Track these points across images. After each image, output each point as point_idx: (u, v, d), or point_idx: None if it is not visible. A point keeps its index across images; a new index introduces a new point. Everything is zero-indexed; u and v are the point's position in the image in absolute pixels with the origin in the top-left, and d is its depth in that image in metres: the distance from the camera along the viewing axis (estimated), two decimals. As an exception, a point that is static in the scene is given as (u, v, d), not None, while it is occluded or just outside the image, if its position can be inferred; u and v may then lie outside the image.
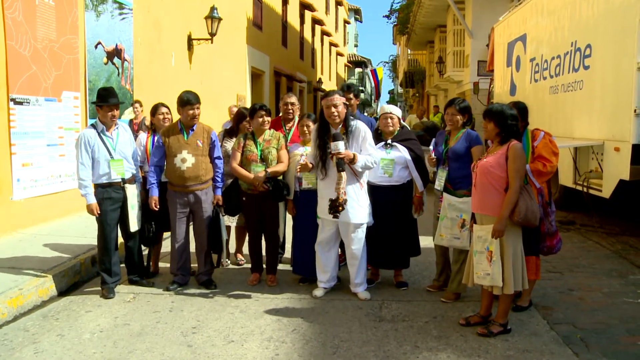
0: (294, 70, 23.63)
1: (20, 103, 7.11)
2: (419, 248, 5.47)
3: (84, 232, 6.93)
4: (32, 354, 3.96)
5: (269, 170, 5.28)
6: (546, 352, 3.93)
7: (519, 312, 4.63)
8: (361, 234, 5.00)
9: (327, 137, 4.88)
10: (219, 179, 5.41)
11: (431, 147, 5.22)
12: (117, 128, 5.29)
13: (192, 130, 5.31)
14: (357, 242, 4.99)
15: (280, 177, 5.41)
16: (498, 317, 4.28)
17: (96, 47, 8.85)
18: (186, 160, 5.22)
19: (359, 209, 4.92)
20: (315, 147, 5.01)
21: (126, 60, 9.76)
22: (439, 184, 5.01)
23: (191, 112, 5.27)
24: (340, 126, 4.93)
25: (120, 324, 4.51)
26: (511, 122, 4.16)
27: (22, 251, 6.08)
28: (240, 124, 6.10)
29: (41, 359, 3.89)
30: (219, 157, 5.39)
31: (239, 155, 5.42)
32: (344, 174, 4.72)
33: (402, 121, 5.45)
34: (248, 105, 16.98)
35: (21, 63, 7.08)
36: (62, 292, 5.30)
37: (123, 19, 9.63)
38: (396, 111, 5.33)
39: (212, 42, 12.72)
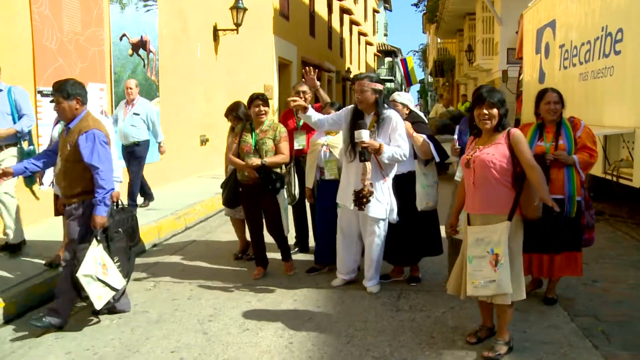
0: (322, 59, 23.56)
1: (47, 95, 7.22)
2: (439, 246, 5.20)
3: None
4: (53, 339, 4.05)
5: (266, 160, 5.09)
6: (565, 344, 3.85)
7: (541, 304, 4.52)
8: (378, 229, 4.85)
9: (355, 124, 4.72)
10: (97, 195, 4.09)
11: (455, 136, 5.01)
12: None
13: (69, 128, 4.26)
14: (372, 237, 4.86)
15: (279, 170, 5.26)
16: (501, 334, 3.79)
17: (121, 39, 8.95)
18: (58, 164, 4.35)
19: (377, 204, 4.73)
20: (346, 130, 4.86)
21: (151, 51, 9.85)
22: (460, 175, 4.89)
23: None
24: (373, 113, 4.78)
25: (139, 311, 4.58)
26: (506, 107, 3.79)
27: (50, 239, 6.19)
28: (228, 116, 6.01)
29: (61, 344, 3.98)
30: (93, 166, 4.10)
31: (235, 145, 5.29)
32: (368, 164, 4.58)
33: (414, 108, 5.27)
34: (276, 96, 17.03)
35: (48, 56, 7.20)
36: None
37: (148, 10, 9.71)
38: (400, 98, 5.13)
39: (237, 33, 12.75)
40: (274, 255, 5.99)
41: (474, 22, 22.63)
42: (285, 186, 5.90)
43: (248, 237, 6.17)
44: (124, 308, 4.53)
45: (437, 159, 4.99)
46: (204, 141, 11.95)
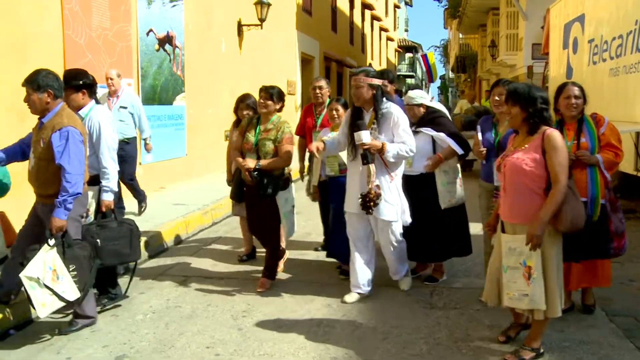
0: (344, 55, 23.50)
1: (77, 90, 7.27)
2: (465, 247, 5.05)
3: (134, 216, 7.05)
4: (89, 332, 4.08)
5: (261, 163, 4.74)
6: (605, 344, 3.77)
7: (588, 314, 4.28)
8: (392, 232, 4.61)
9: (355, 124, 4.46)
10: (59, 196, 3.79)
11: (479, 135, 4.69)
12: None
13: (42, 123, 3.98)
14: (387, 240, 4.63)
15: (278, 172, 4.86)
16: (530, 341, 3.59)
17: (148, 34, 8.99)
18: (31, 161, 4.05)
19: (387, 205, 4.49)
20: (347, 130, 4.59)
21: (177, 46, 9.88)
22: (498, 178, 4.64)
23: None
24: (371, 110, 4.55)
25: (172, 306, 4.59)
26: (542, 105, 3.41)
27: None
28: (238, 111, 5.75)
29: (97, 337, 4.00)
30: (61, 167, 3.81)
31: (239, 139, 4.99)
32: (372, 166, 4.35)
33: (430, 103, 5.05)
34: (298, 91, 17.02)
35: (77, 51, 7.24)
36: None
37: (174, 6, 9.74)
38: (414, 100, 4.91)
39: (261, 28, 12.76)
40: (300, 253, 6.02)
41: (497, 17, 22.41)
42: (307, 184, 5.85)
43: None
44: (90, 314, 4.16)
45: (460, 152, 4.82)
46: (228, 136, 11.96)
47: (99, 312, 4.34)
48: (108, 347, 3.85)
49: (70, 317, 4.16)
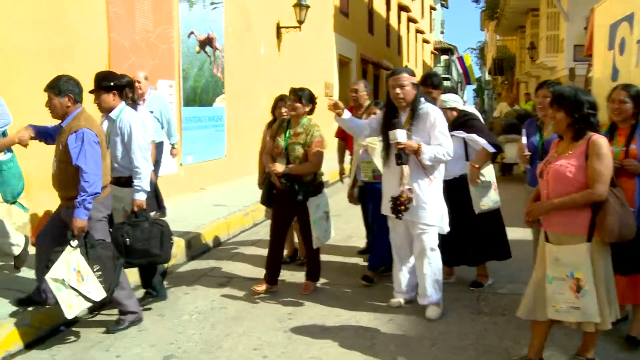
0: (381, 57, 23.43)
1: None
2: (501, 250, 4.94)
3: (175, 217, 7.10)
4: (136, 331, 4.13)
5: (289, 168, 4.63)
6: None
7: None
8: (428, 238, 4.32)
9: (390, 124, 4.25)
10: (79, 196, 3.80)
11: (524, 139, 4.58)
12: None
13: (61, 127, 4.07)
14: (422, 247, 4.34)
15: (309, 178, 4.74)
16: (583, 351, 3.47)
17: (189, 36, 9.09)
18: (53, 164, 4.12)
19: (425, 207, 4.25)
20: (380, 132, 4.43)
21: (217, 49, 9.97)
22: None
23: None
24: (408, 109, 4.33)
25: (217, 307, 4.61)
26: (588, 110, 3.24)
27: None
28: (275, 110, 5.59)
29: (144, 336, 4.05)
30: (79, 167, 3.84)
31: (270, 143, 4.89)
32: (405, 167, 4.11)
33: (462, 107, 4.99)
34: (336, 93, 17.00)
35: (122, 54, 7.36)
36: (161, 273, 5.39)
37: (214, 8, 9.83)
38: (448, 104, 4.83)
39: (300, 30, 12.79)
40: (342, 257, 5.98)
41: (537, 19, 21.99)
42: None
43: (296, 239, 5.81)
44: (133, 309, 4.22)
45: (491, 150, 4.68)
46: (261, 138, 12.02)
47: (143, 311, 4.38)
48: (155, 346, 3.89)
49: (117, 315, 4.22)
